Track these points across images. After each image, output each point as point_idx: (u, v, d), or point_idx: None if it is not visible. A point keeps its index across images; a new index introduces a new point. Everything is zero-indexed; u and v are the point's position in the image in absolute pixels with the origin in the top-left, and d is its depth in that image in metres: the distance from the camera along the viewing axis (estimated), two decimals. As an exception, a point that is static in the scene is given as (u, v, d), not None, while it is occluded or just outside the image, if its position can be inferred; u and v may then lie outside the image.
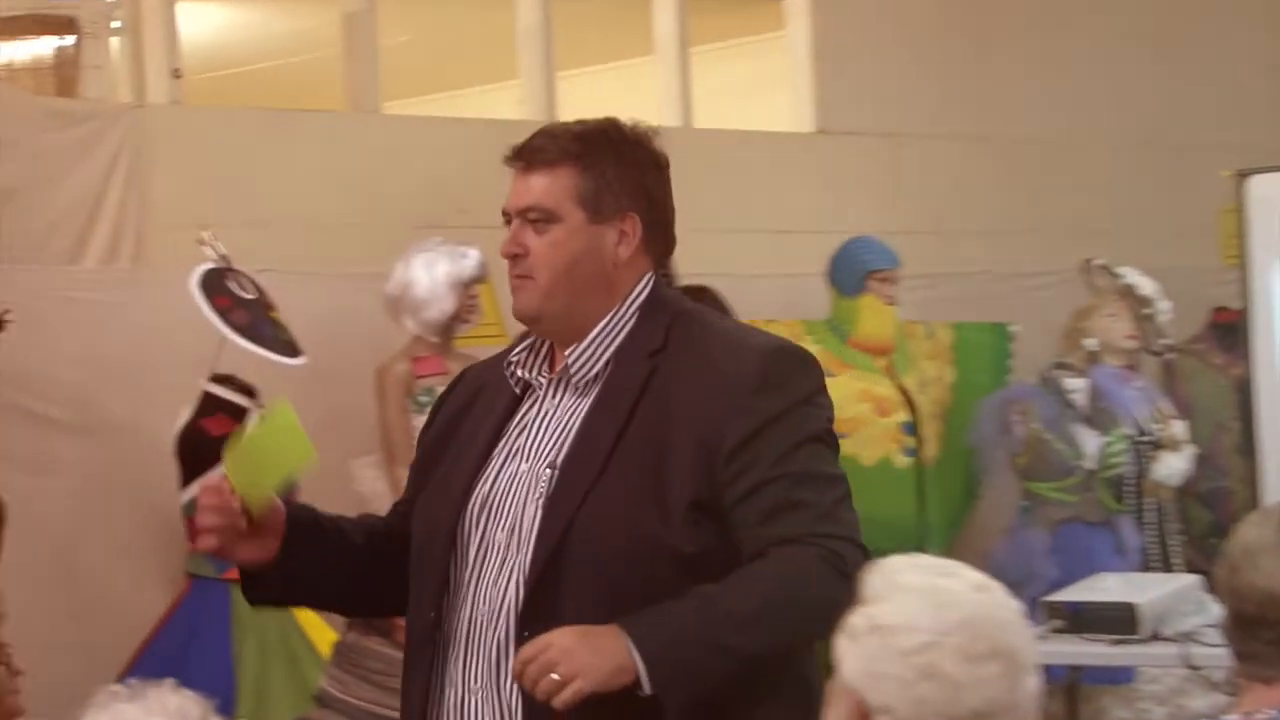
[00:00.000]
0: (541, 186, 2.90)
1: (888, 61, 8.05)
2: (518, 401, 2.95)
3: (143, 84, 6.89)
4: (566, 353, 2.91)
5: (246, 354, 5.52)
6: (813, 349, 6.57)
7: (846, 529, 2.78)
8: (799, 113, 8.04)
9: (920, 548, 5.88)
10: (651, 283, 2.96)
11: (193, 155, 6.46)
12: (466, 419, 3.01)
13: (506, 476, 2.88)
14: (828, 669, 2.26)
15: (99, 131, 6.30)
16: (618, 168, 2.91)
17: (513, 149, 2.97)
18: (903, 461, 6.65)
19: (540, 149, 2.93)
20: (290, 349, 5.64)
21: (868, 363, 6.69)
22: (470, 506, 2.87)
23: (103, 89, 7.32)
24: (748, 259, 7.16)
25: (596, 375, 2.89)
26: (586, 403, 2.88)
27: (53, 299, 5.86)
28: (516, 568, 2.79)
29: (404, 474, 5.83)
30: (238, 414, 5.63)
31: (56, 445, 5.84)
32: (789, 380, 2.84)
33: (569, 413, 2.89)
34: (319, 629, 5.49)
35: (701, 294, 5.57)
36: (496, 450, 2.91)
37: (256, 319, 5.61)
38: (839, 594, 2.61)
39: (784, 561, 2.73)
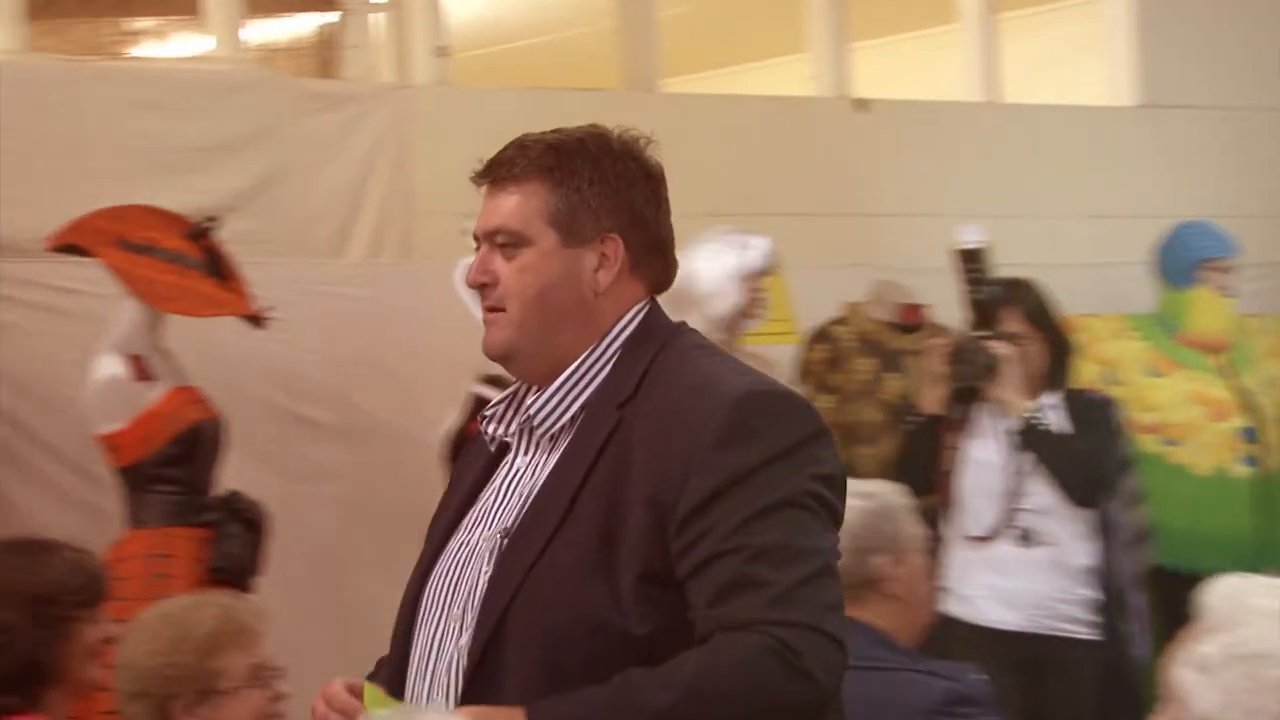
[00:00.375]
0: (509, 206, 2.75)
1: (1223, 25, 7.85)
2: (497, 459, 2.82)
3: (407, 63, 6.99)
4: (529, 400, 2.76)
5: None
6: (1139, 346, 6.58)
7: (807, 614, 2.50)
8: (1120, 84, 7.88)
9: (1258, 567, 5.70)
10: (642, 315, 2.79)
11: (460, 139, 6.52)
12: (454, 479, 2.92)
13: (468, 547, 2.74)
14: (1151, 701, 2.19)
15: (361, 115, 6.41)
16: (597, 184, 2.75)
17: (482, 164, 2.80)
18: (1240, 471, 6.49)
19: (508, 163, 2.76)
20: (564, 347, 5.66)
21: (1200, 361, 6.55)
22: (430, 584, 2.76)
23: (364, 69, 7.45)
24: (1064, 247, 7.05)
25: (566, 427, 2.72)
26: (554, 459, 2.72)
27: (315, 294, 5.97)
28: (462, 650, 2.67)
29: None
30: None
31: (319, 449, 5.95)
32: (761, 432, 2.60)
33: (535, 471, 2.73)
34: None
35: (1018, 288, 5.49)
36: (466, 517, 2.79)
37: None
38: (783, 691, 2.47)
39: (719, 653, 2.50)
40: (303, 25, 8.20)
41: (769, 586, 2.50)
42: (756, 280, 6.02)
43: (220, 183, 6.05)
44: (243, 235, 5.65)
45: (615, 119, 7.14)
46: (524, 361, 2.76)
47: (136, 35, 9.62)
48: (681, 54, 8.82)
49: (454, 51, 7.24)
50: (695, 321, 5.91)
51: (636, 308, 2.78)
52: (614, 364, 2.73)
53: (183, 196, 5.60)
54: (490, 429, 2.81)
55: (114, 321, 5.19)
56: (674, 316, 6.16)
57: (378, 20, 7.48)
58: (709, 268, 5.97)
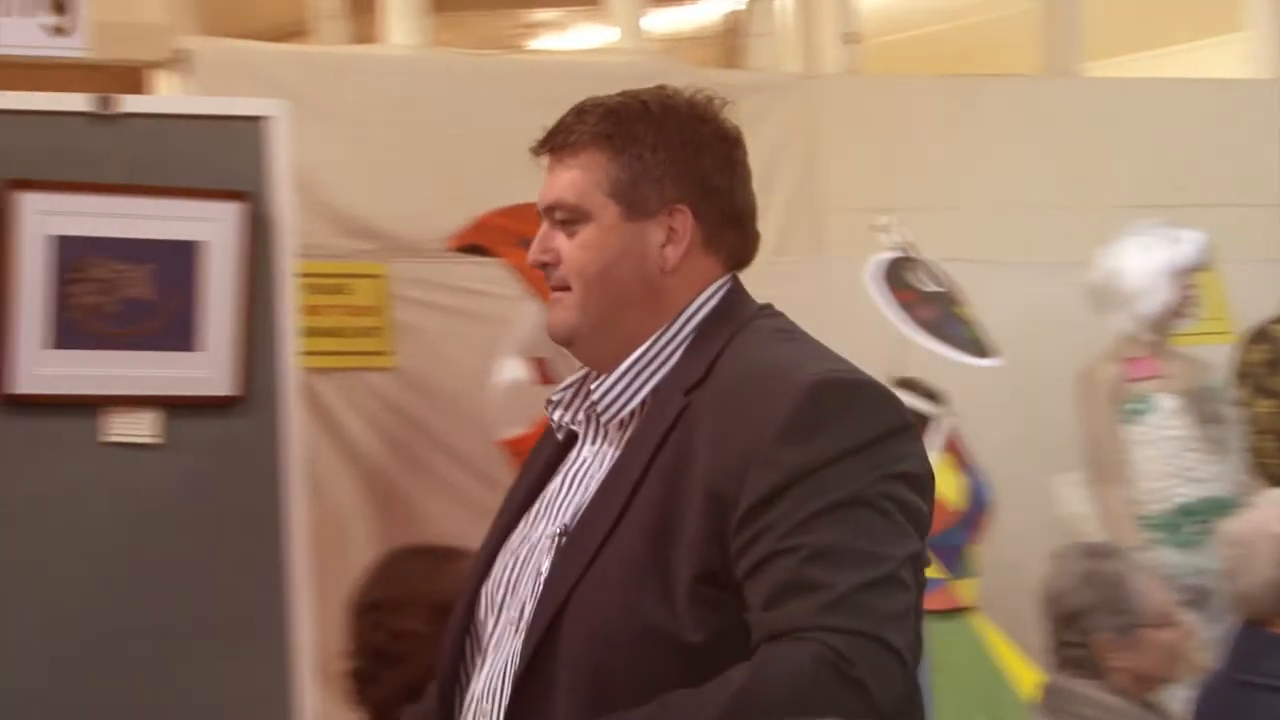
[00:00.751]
0: (567, 179, 2.66)
1: None
2: (566, 448, 2.75)
3: (816, 51, 7.01)
4: (593, 386, 2.66)
5: (932, 354, 5.54)
6: None
7: (864, 621, 2.36)
8: None
9: None
10: (721, 294, 2.68)
11: (870, 130, 6.55)
12: (523, 468, 2.86)
13: (528, 543, 2.68)
14: None
15: (766, 105, 6.44)
16: (661, 150, 2.65)
17: (543, 131, 2.71)
18: None
19: (565, 131, 2.69)
20: (980, 349, 5.63)
21: None
22: (488, 582, 2.71)
23: (771, 58, 7.49)
24: None
25: (634, 414, 2.63)
26: (620, 450, 2.63)
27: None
28: (515, 653, 2.60)
29: (1115, 494, 5.81)
30: (922, 422, 5.66)
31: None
32: (832, 424, 2.46)
33: (602, 462, 2.65)
34: (1021, 668, 5.47)
35: None
36: (530, 510, 2.73)
37: (943, 315, 5.63)
38: (833, 703, 2.33)
39: (766, 663, 2.38)
40: (707, 13, 8.29)
41: (824, 590, 2.37)
42: (1189, 276, 5.92)
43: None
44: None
45: (1034, 105, 7.11)
46: (588, 345, 2.67)
47: (537, 28, 9.85)
48: (1106, 35, 8.69)
49: (865, 38, 7.25)
50: (1121, 320, 5.92)
51: (714, 286, 2.68)
52: (686, 348, 2.63)
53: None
54: (556, 415, 2.73)
55: (516, 323, 5.30)
56: (1099, 314, 6.13)
57: (784, 6, 7.52)
58: (1137, 263, 5.89)
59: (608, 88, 6.46)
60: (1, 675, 4.36)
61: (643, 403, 2.63)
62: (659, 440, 2.55)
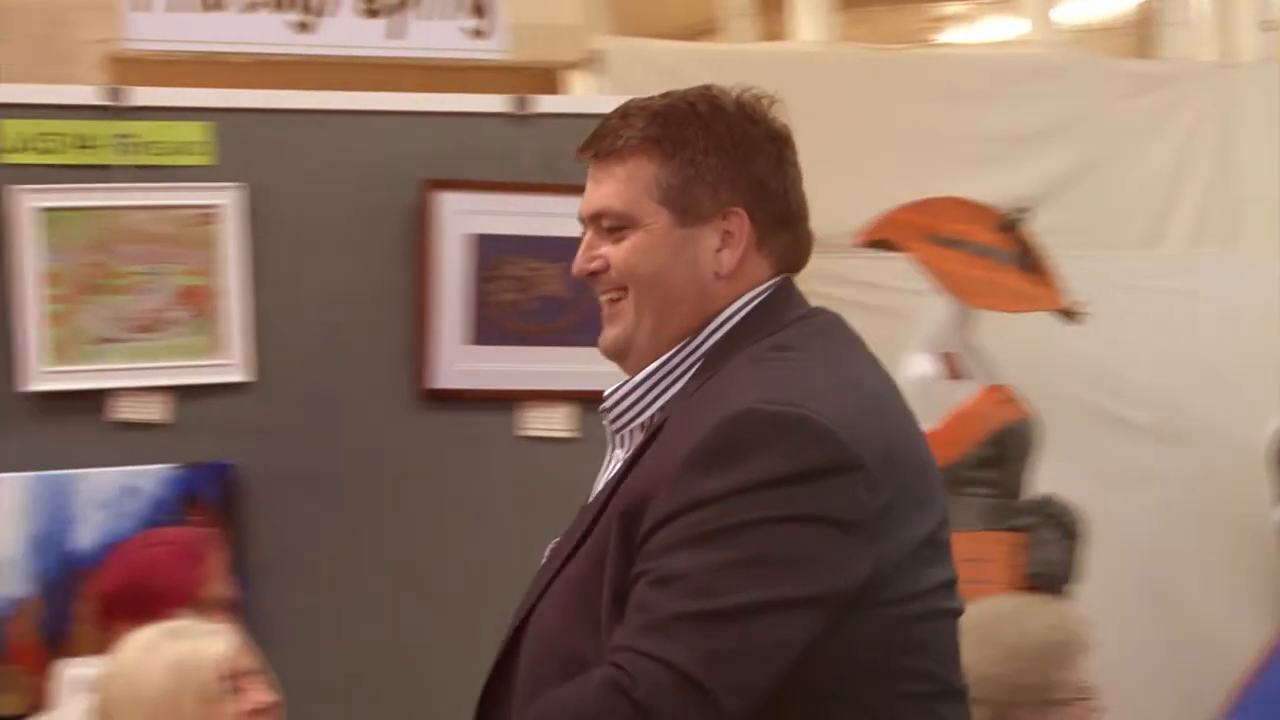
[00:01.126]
0: (613, 185, 2.55)
1: None
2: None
3: (1231, 39, 6.85)
4: (607, 391, 2.55)
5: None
6: None
7: (672, 650, 2.19)
8: None
9: None
10: (756, 303, 2.53)
11: (1288, 119, 6.37)
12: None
13: None
14: None
15: (1180, 95, 6.32)
16: (713, 154, 2.51)
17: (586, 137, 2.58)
18: None
19: (611, 135, 2.56)
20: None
21: None
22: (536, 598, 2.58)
23: (1185, 47, 7.33)
24: None
25: (644, 427, 2.50)
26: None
27: (1131, 288, 5.92)
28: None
29: None
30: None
31: (1141, 454, 5.88)
32: (740, 456, 2.27)
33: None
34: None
35: None
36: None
37: (1368, 308, 5.46)
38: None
39: (569, 684, 2.29)
40: (1120, 3, 8.14)
41: (648, 613, 2.24)
42: None
43: (1030, 172, 6.08)
44: (1054, 226, 5.64)
45: None
46: (640, 354, 2.55)
47: (945, 21, 9.78)
48: None
49: (1282, 25, 7.05)
50: None
51: (749, 295, 2.53)
52: (706, 360, 2.50)
53: (992, 187, 5.64)
54: (604, 421, 2.61)
55: (924, 318, 5.27)
56: None
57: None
58: None
59: (1018, 80, 6.43)
60: (419, 663, 4.48)
61: (652, 416, 2.52)
62: (634, 457, 2.46)
